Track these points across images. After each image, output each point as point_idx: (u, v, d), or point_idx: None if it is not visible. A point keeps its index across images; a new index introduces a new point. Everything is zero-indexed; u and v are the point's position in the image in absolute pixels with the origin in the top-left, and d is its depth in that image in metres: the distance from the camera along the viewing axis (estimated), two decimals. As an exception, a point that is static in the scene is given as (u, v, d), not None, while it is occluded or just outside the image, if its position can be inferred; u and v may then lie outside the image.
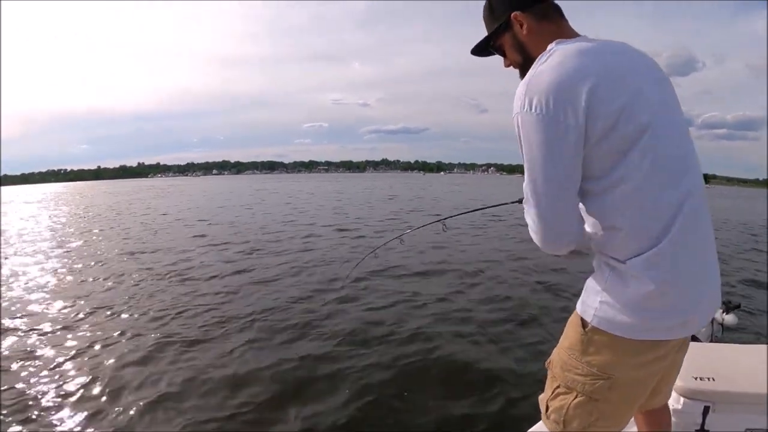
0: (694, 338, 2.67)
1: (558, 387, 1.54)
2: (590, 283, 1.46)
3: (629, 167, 1.26)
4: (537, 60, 1.35)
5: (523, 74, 1.46)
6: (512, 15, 1.45)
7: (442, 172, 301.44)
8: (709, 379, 2.02)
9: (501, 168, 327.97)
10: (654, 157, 1.27)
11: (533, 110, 1.25)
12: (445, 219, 2.32)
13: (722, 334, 2.87)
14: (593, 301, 1.41)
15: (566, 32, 1.45)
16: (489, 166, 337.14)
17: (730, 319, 2.86)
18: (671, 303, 1.32)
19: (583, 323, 1.44)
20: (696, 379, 2.02)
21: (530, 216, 1.37)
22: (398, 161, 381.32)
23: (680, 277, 1.31)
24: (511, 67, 1.59)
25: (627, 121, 1.25)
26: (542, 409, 1.63)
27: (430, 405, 3.88)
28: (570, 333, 1.51)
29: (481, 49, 1.62)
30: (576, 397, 1.48)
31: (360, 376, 4.37)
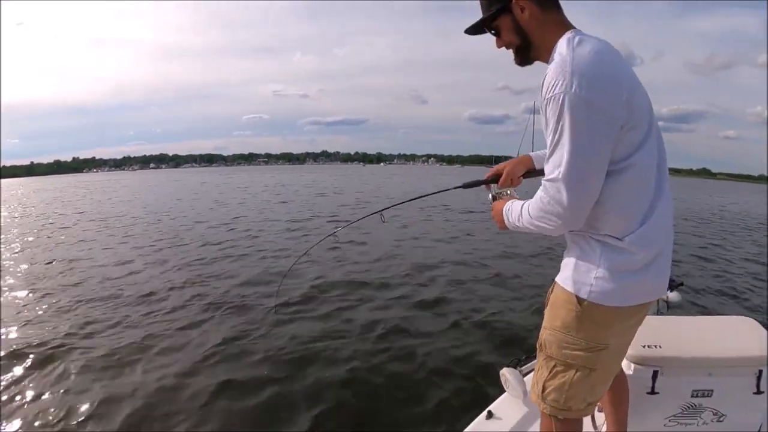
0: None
1: (555, 366, 1.64)
2: (580, 261, 1.54)
3: (637, 157, 1.42)
4: (563, 44, 1.42)
5: (520, 56, 1.60)
6: (513, 0, 1.51)
7: (382, 164, 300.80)
8: (656, 346, 2.18)
9: (441, 159, 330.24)
10: (652, 151, 1.46)
11: (582, 92, 1.30)
12: (383, 210, 2.27)
13: (667, 310, 3.04)
14: (587, 278, 1.51)
15: (568, 23, 1.53)
16: (429, 156, 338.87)
17: (673, 296, 3.04)
18: (657, 268, 1.51)
19: (578, 300, 1.53)
20: (645, 347, 2.17)
21: (561, 191, 1.38)
22: (338, 153, 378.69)
23: (662, 246, 1.51)
24: (504, 48, 1.62)
25: (642, 117, 1.42)
26: (536, 390, 1.71)
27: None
28: (561, 312, 1.60)
29: (476, 29, 1.64)
30: (576, 372, 1.59)
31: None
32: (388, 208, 2.28)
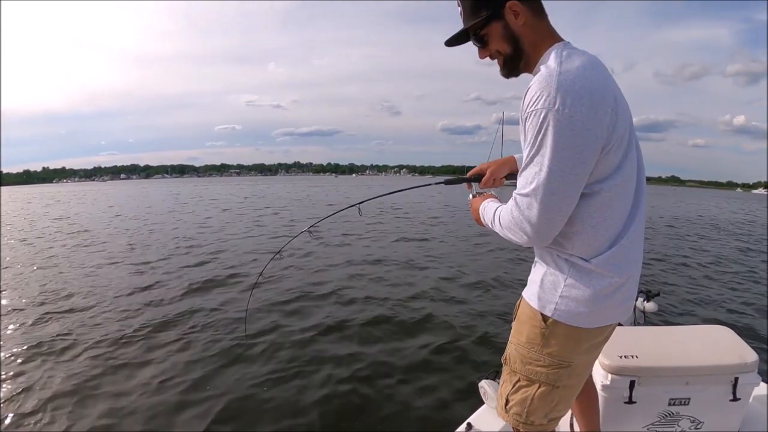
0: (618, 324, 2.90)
1: (518, 381, 1.63)
2: (546, 279, 1.52)
3: (613, 180, 1.38)
4: (551, 56, 1.36)
5: (508, 66, 1.50)
6: (507, 4, 1.41)
7: (354, 174, 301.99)
8: (633, 356, 2.19)
9: (413, 169, 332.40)
10: (630, 174, 1.42)
11: (566, 110, 1.24)
12: (360, 203, 2.15)
13: (644, 320, 3.08)
14: (552, 296, 1.49)
15: (556, 34, 1.46)
16: (401, 167, 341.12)
17: (650, 306, 3.10)
18: (624, 293, 1.48)
19: (543, 317, 1.51)
20: (621, 357, 2.18)
21: (533, 208, 1.33)
22: (311, 164, 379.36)
23: (631, 272, 1.48)
24: (488, 58, 1.53)
25: (622, 140, 1.36)
26: (500, 403, 1.71)
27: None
28: (526, 328, 1.58)
29: (459, 39, 1.55)
30: (539, 387, 1.58)
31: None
32: (367, 200, 2.17)
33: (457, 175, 1.95)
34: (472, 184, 1.88)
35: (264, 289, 7.24)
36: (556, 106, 1.24)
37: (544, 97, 1.26)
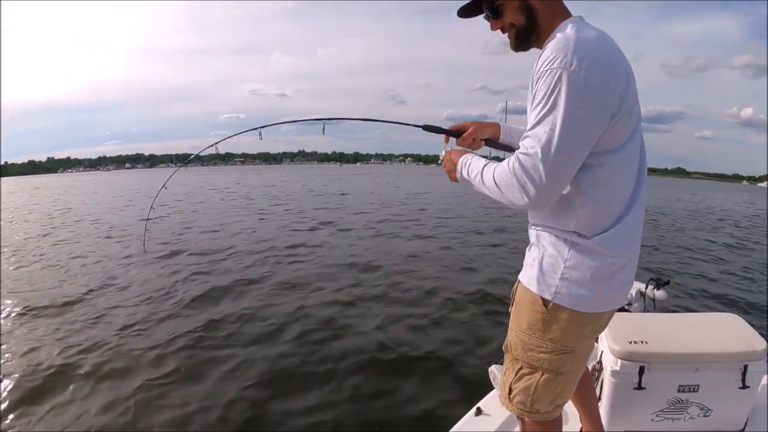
0: (624, 310, 2.91)
1: (521, 368, 1.60)
2: (545, 261, 1.50)
3: (618, 154, 1.38)
4: (567, 25, 1.36)
5: (521, 39, 1.50)
6: None
7: (358, 163, 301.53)
8: (642, 342, 2.20)
9: (417, 158, 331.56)
10: (633, 154, 1.42)
11: (582, 72, 1.24)
12: (262, 127, 2.35)
13: (654, 308, 3.09)
14: (552, 279, 1.47)
15: (569, 11, 1.46)
16: (405, 156, 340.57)
17: (660, 294, 3.10)
18: (624, 276, 1.48)
19: (544, 302, 1.48)
20: (631, 343, 2.19)
21: (539, 168, 1.28)
22: (315, 153, 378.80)
23: (632, 254, 1.48)
24: (500, 31, 1.53)
25: (632, 114, 1.35)
26: (504, 392, 1.69)
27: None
28: (527, 313, 1.55)
29: (471, 10, 1.56)
30: (542, 374, 1.56)
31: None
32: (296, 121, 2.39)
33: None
34: (450, 138, 1.83)
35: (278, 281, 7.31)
36: (573, 67, 1.24)
37: (560, 58, 1.26)
